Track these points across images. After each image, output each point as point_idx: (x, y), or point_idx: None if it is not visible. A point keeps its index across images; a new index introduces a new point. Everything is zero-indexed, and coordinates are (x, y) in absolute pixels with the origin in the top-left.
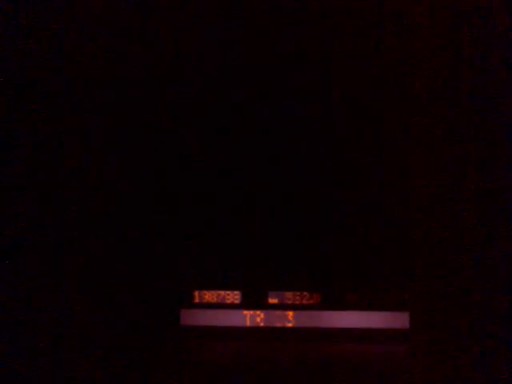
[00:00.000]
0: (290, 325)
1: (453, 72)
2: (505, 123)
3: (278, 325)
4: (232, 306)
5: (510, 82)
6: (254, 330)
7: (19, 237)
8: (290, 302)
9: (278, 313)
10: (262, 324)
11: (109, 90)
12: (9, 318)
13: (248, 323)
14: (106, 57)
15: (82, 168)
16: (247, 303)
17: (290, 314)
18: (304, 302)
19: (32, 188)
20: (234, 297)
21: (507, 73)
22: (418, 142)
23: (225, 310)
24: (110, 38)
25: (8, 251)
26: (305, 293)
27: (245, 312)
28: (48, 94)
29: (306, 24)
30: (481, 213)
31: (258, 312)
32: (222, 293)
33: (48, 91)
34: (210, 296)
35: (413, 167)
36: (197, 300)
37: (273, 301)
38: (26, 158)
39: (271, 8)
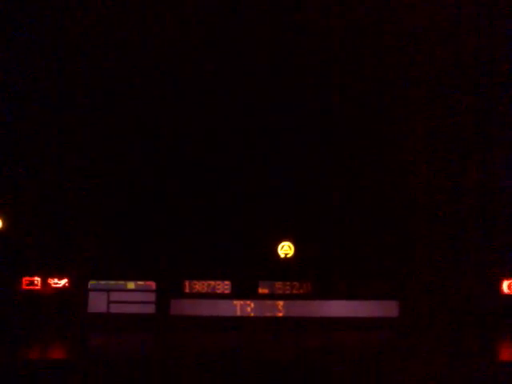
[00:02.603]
0: (280, 314)
1: (453, 72)
2: (505, 123)
3: (269, 315)
4: (222, 296)
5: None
6: (245, 320)
7: (18, 236)
8: (280, 292)
9: (269, 302)
10: (252, 314)
11: (108, 89)
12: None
13: (238, 313)
14: (105, 56)
15: (81, 167)
16: (237, 293)
17: (281, 303)
18: (294, 291)
19: (31, 188)
20: (224, 287)
21: (508, 72)
22: (418, 142)
23: (215, 300)
24: (109, 37)
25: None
26: (295, 282)
27: (235, 302)
28: (48, 94)
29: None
30: (474, 207)
31: (248, 302)
32: (213, 283)
33: (48, 91)
34: (200, 286)
35: (406, 159)
36: (187, 290)
37: (263, 291)
38: (27, 157)
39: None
